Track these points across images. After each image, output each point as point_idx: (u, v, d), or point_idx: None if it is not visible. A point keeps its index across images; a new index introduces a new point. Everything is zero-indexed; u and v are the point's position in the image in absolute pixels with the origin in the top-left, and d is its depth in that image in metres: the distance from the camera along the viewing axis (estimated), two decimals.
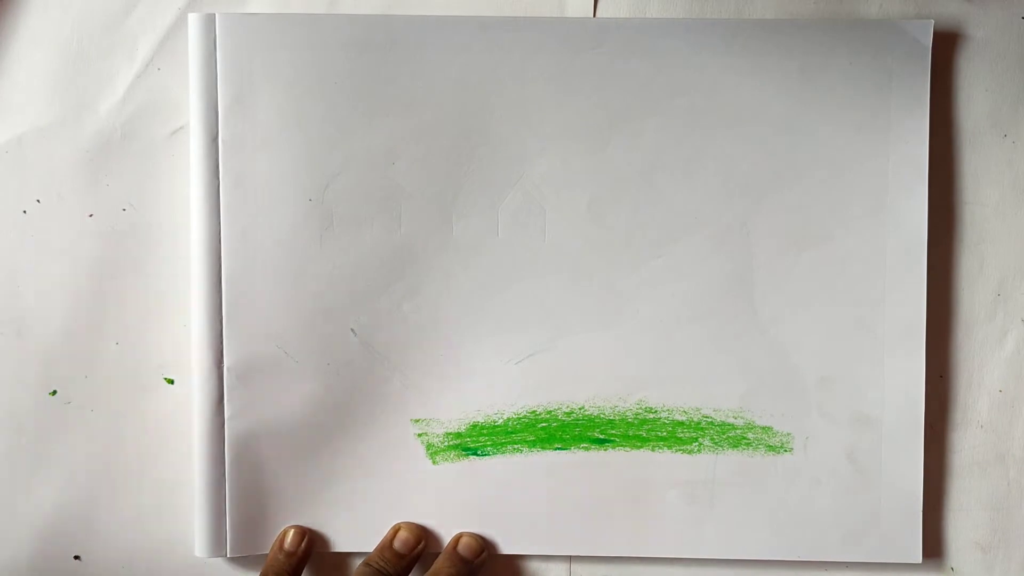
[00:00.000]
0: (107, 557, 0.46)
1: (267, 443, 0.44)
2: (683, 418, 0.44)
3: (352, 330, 0.44)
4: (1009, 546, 0.46)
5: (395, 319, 0.44)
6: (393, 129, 0.44)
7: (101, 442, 0.46)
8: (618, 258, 0.44)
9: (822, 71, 0.43)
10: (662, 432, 0.45)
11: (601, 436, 0.45)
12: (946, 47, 0.45)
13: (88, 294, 0.45)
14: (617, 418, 0.45)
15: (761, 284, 0.44)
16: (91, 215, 0.45)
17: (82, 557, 0.46)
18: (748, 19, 0.44)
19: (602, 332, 0.44)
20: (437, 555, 0.45)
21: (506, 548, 0.45)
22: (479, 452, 0.45)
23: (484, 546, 0.44)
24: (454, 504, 0.45)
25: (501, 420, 0.45)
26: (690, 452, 0.45)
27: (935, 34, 0.44)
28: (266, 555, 0.45)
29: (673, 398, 0.44)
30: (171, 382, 0.46)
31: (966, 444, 0.45)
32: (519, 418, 0.45)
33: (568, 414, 0.45)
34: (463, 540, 0.44)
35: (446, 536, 0.45)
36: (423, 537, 0.44)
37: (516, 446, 0.45)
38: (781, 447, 0.45)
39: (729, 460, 0.45)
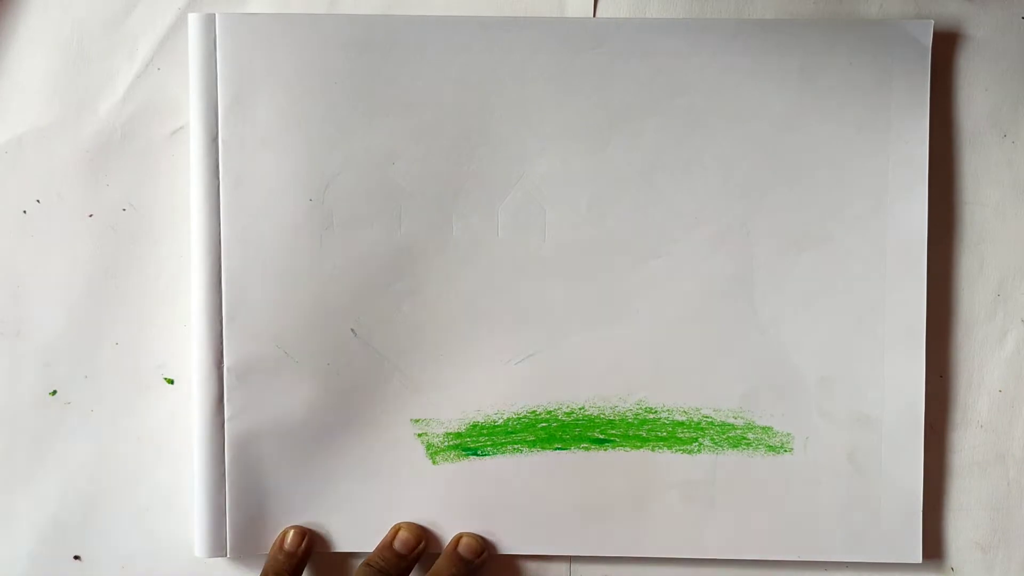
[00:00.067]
0: (107, 557, 0.46)
1: (267, 443, 0.44)
2: (683, 418, 0.44)
3: (352, 330, 0.44)
4: (1009, 546, 0.46)
5: (395, 319, 0.44)
6: (393, 129, 0.44)
7: (101, 442, 0.46)
8: (618, 258, 0.44)
9: (822, 71, 0.43)
10: (662, 432, 0.45)
11: (601, 436, 0.45)
12: (946, 47, 0.45)
13: (88, 294, 0.45)
14: (617, 418, 0.45)
15: (761, 284, 0.44)
16: (91, 215, 0.45)
17: (82, 557, 0.46)
18: (748, 19, 0.44)
19: (602, 332, 0.44)
20: (437, 555, 0.45)
21: (506, 548, 0.45)
22: (479, 452, 0.45)
23: (484, 546, 0.44)
24: (454, 504, 0.45)
25: (501, 420, 0.45)
26: (690, 452, 0.45)
27: (935, 34, 0.44)
28: (266, 555, 0.45)
29: (673, 398, 0.44)
30: (171, 382, 0.46)
31: (966, 444, 0.45)
32: (519, 418, 0.45)
33: (568, 414, 0.45)
34: (463, 540, 0.44)
35: (446, 536, 0.45)
36: (423, 537, 0.44)
37: (516, 446, 0.45)
38: (781, 447, 0.45)
39: (729, 460, 0.45)
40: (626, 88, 0.43)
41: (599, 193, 0.44)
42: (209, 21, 0.43)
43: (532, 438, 0.45)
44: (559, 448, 0.45)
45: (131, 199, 0.45)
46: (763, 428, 0.44)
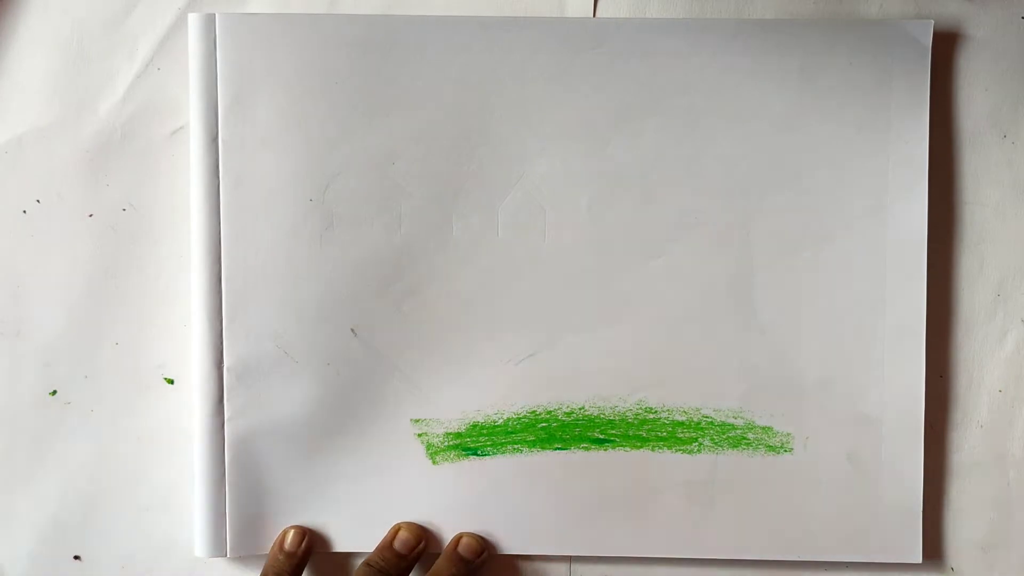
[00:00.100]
0: (107, 557, 0.46)
1: (267, 443, 0.44)
2: (683, 418, 0.44)
3: (352, 330, 0.44)
4: (1009, 546, 0.46)
5: (395, 319, 0.44)
6: (393, 129, 0.44)
7: (101, 442, 0.46)
8: (618, 258, 0.44)
9: (822, 71, 0.43)
10: (662, 432, 0.45)
11: (601, 436, 0.45)
12: (946, 47, 0.45)
13: (88, 294, 0.45)
14: (617, 418, 0.45)
15: (761, 284, 0.44)
16: (91, 215, 0.45)
17: (82, 557, 0.46)
18: (748, 19, 0.44)
19: (602, 332, 0.44)
20: (437, 555, 0.45)
21: (506, 548, 0.45)
22: (479, 452, 0.45)
23: (484, 546, 0.44)
24: (454, 504, 0.45)
25: (501, 420, 0.45)
26: (690, 452, 0.45)
27: (935, 34, 0.44)
28: (266, 555, 0.45)
29: (673, 398, 0.44)
30: (171, 382, 0.46)
31: (966, 444, 0.45)
32: (519, 418, 0.45)
33: (568, 414, 0.45)
34: (463, 540, 0.44)
35: (446, 536, 0.45)
36: (423, 537, 0.44)
37: (516, 446, 0.45)
38: (781, 447, 0.45)
39: (729, 460, 0.45)
40: (626, 88, 0.43)
41: (599, 193, 0.44)
42: (209, 21, 0.43)
43: (532, 438, 0.45)
44: (559, 448, 0.45)
45: (131, 199, 0.45)
46: (763, 428, 0.44)
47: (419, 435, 0.45)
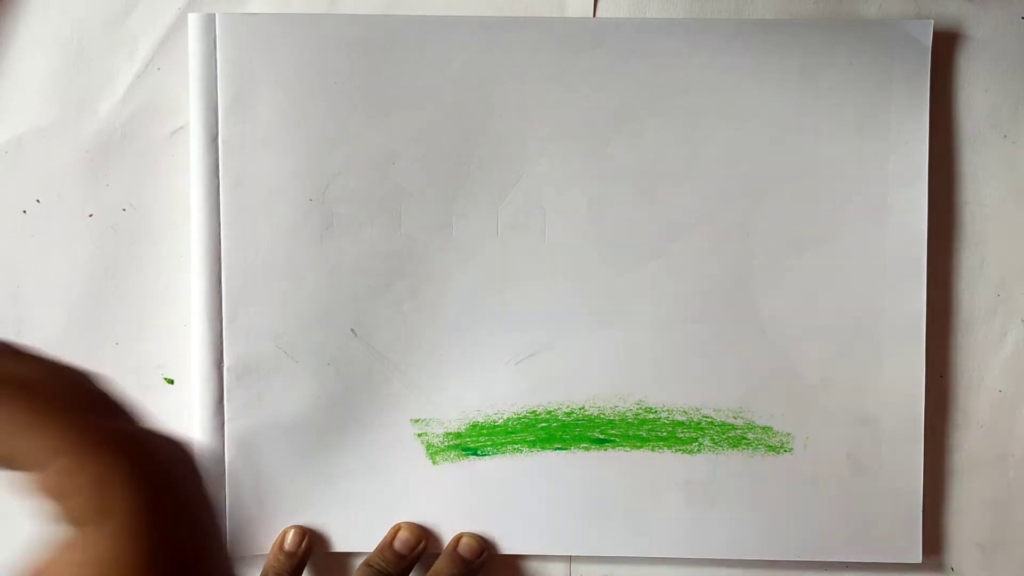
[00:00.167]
0: None
1: (267, 443, 0.44)
2: (683, 418, 0.44)
3: (352, 330, 0.44)
4: (1009, 546, 0.46)
5: (395, 319, 0.44)
6: (393, 129, 0.44)
7: None
8: (618, 258, 0.44)
9: (822, 71, 0.43)
10: (662, 432, 0.45)
11: (601, 436, 0.45)
12: (946, 47, 0.45)
13: (88, 294, 0.45)
14: (617, 418, 0.45)
15: (761, 284, 0.44)
16: (91, 215, 0.45)
17: None
18: (748, 19, 0.44)
19: (602, 332, 0.44)
20: (437, 555, 0.45)
21: (506, 548, 0.45)
22: (479, 452, 0.45)
23: (484, 546, 0.44)
24: (454, 504, 0.45)
25: (501, 420, 0.45)
26: (690, 452, 0.45)
27: (935, 34, 0.44)
28: (266, 555, 0.45)
29: (673, 398, 0.44)
30: (171, 382, 0.46)
31: (966, 444, 0.45)
32: (519, 418, 0.45)
33: (568, 414, 0.45)
34: (463, 540, 0.44)
35: (446, 536, 0.45)
36: (423, 537, 0.44)
37: (516, 446, 0.45)
38: (781, 447, 0.45)
39: (729, 460, 0.45)
40: (626, 88, 0.43)
41: (599, 193, 0.44)
42: (209, 21, 0.43)
43: (532, 438, 0.45)
44: (559, 448, 0.45)
45: (131, 199, 0.45)
46: (763, 428, 0.44)
47: (419, 435, 0.45)
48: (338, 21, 0.43)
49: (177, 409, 0.46)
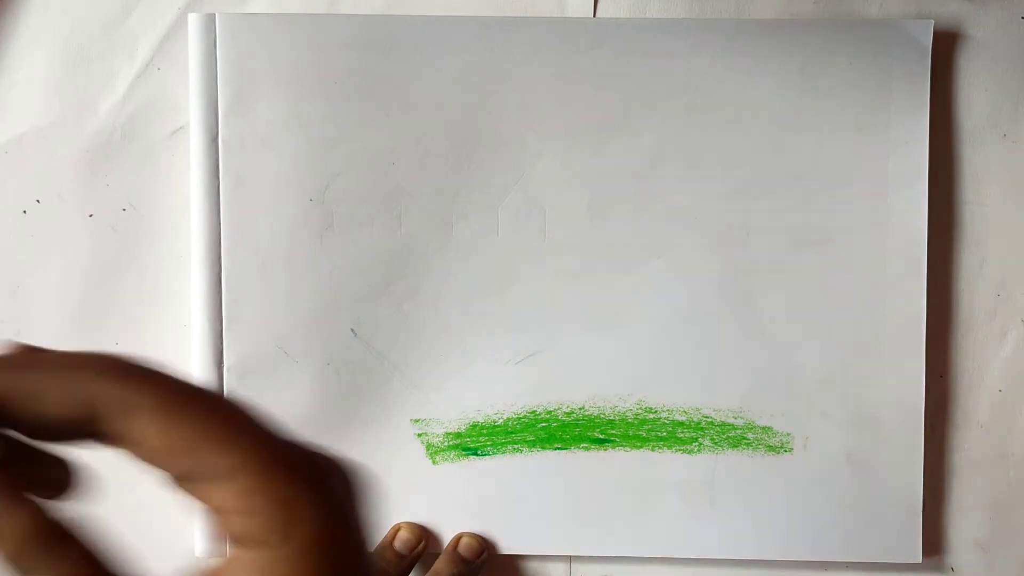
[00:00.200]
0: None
1: None
2: (683, 418, 0.44)
3: (352, 330, 0.44)
4: (1009, 546, 0.46)
5: (395, 319, 0.44)
6: (393, 129, 0.44)
7: None
8: (618, 258, 0.44)
9: (822, 71, 0.43)
10: (662, 432, 0.45)
11: (601, 436, 0.45)
12: (946, 47, 0.45)
13: (88, 294, 0.45)
14: (617, 418, 0.45)
15: (761, 284, 0.44)
16: (91, 215, 0.45)
17: None
18: (748, 19, 0.44)
19: (602, 332, 0.44)
20: (437, 555, 0.45)
21: (506, 548, 0.45)
22: (479, 452, 0.45)
23: (484, 546, 0.44)
24: (454, 504, 0.45)
25: (501, 420, 0.45)
26: (690, 452, 0.45)
27: (935, 34, 0.44)
28: None
29: (673, 398, 0.44)
30: None
31: (966, 444, 0.45)
32: (519, 418, 0.45)
33: (568, 414, 0.45)
34: (463, 540, 0.44)
35: (446, 536, 0.45)
36: (423, 537, 0.44)
37: (516, 446, 0.45)
38: (781, 447, 0.45)
39: (729, 460, 0.45)
40: (626, 88, 0.43)
41: (599, 193, 0.44)
42: (209, 21, 0.43)
43: (532, 438, 0.45)
44: (559, 448, 0.45)
45: (131, 199, 0.45)
46: (763, 428, 0.44)
47: (419, 435, 0.45)
48: (338, 21, 0.43)
49: None
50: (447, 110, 0.44)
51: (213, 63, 0.43)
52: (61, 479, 0.23)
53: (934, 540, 0.46)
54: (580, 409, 0.45)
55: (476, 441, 0.45)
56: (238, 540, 0.20)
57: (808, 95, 0.43)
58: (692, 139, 0.44)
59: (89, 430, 0.21)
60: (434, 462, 0.45)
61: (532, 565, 0.46)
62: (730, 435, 0.44)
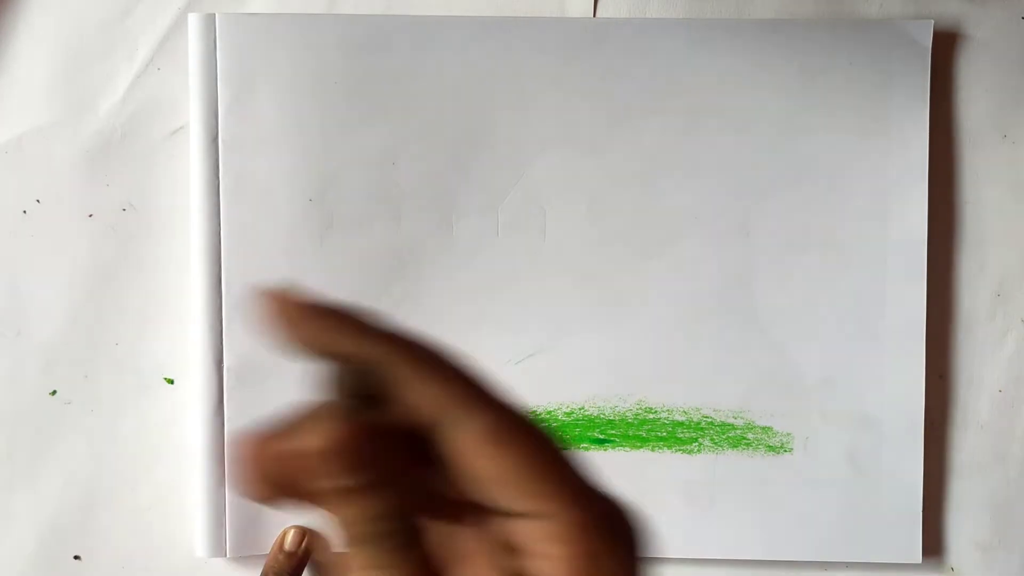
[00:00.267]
0: (107, 557, 0.46)
1: None
2: (683, 418, 0.44)
3: None
4: (1009, 546, 0.46)
5: (394, 319, 0.44)
6: (393, 129, 0.44)
7: (101, 442, 0.46)
8: (618, 258, 0.44)
9: (822, 71, 0.43)
10: (662, 432, 0.45)
11: (601, 436, 0.45)
12: (946, 47, 0.45)
13: (88, 294, 0.45)
14: (617, 418, 0.44)
15: (761, 284, 0.44)
16: (91, 215, 0.45)
17: (82, 557, 0.46)
18: (748, 19, 0.44)
19: (602, 332, 0.44)
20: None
21: None
22: None
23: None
24: None
25: None
26: (690, 452, 0.45)
27: (935, 34, 0.44)
28: (266, 555, 0.45)
29: (673, 398, 0.44)
30: (171, 382, 0.46)
31: (966, 444, 0.45)
32: None
33: (568, 414, 0.45)
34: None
35: None
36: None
37: None
38: (781, 447, 0.44)
39: (729, 460, 0.45)
40: (626, 88, 0.43)
41: (599, 193, 0.44)
42: (209, 21, 0.43)
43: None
44: None
45: (131, 199, 0.45)
46: (763, 428, 0.44)
47: None
48: (338, 21, 0.43)
49: (177, 409, 0.46)
50: (447, 110, 0.43)
51: (213, 63, 0.43)
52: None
53: (934, 540, 0.46)
54: (580, 409, 0.45)
55: None
56: None
57: (808, 95, 0.43)
58: (692, 139, 0.44)
59: (423, 434, 0.20)
60: None
61: None
62: (730, 435, 0.44)
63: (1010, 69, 0.45)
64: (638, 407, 0.44)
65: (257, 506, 0.45)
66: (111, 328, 0.45)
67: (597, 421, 0.45)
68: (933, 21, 0.43)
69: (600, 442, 0.45)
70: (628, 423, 0.45)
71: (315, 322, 0.20)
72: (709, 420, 0.44)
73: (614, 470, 0.45)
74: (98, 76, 0.45)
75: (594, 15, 0.45)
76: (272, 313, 0.20)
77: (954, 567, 0.46)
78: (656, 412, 0.44)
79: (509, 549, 0.20)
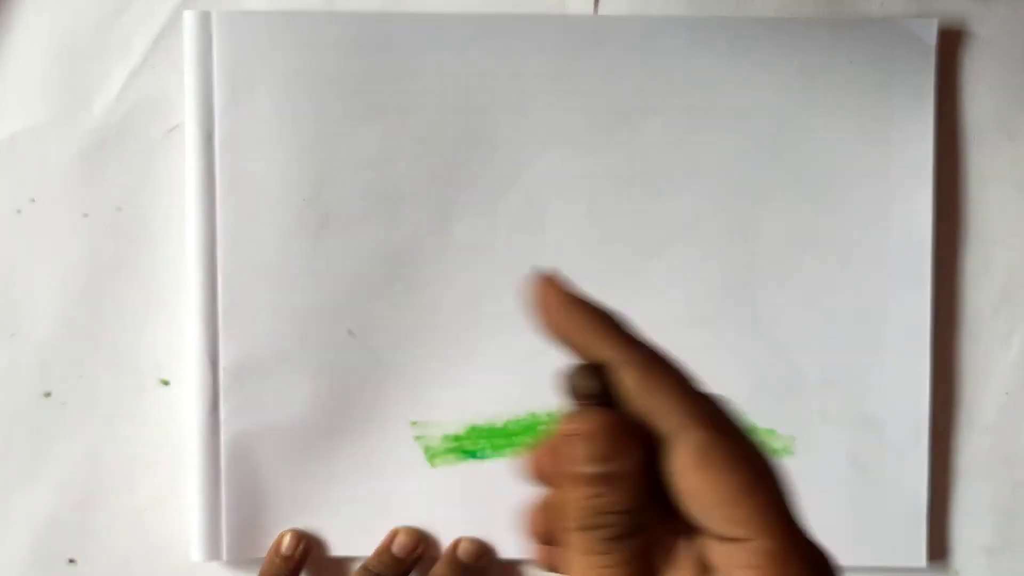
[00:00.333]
0: (102, 560, 0.46)
1: (264, 445, 0.44)
2: None
3: (350, 331, 0.44)
4: (1014, 549, 0.45)
5: (393, 320, 0.44)
6: (391, 128, 0.43)
7: (96, 444, 0.45)
8: (618, 258, 0.44)
9: (824, 70, 0.43)
10: None
11: None
12: (950, 46, 0.44)
13: (83, 294, 0.45)
14: None
15: (763, 285, 0.44)
16: (86, 215, 0.45)
17: (76, 560, 0.46)
18: (749, 17, 0.44)
19: None
20: (435, 560, 0.44)
21: (505, 553, 0.44)
22: (478, 455, 0.44)
23: (484, 551, 0.44)
24: (453, 507, 0.44)
25: (500, 423, 0.44)
26: None
27: (939, 32, 0.43)
28: (263, 559, 0.44)
29: None
30: (167, 383, 0.45)
31: (971, 447, 0.45)
32: (518, 421, 0.44)
33: None
34: (462, 545, 0.44)
35: (444, 540, 0.44)
36: (421, 541, 0.44)
37: (516, 449, 0.44)
38: (783, 450, 0.44)
39: None
40: (626, 88, 0.43)
41: (599, 193, 0.44)
42: (205, 19, 0.43)
43: (532, 441, 0.44)
44: None
45: (126, 198, 0.45)
46: (765, 431, 0.44)
47: (417, 438, 0.44)
48: (335, 19, 0.43)
49: (173, 410, 0.45)
50: (446, 109, 0.43)
51: (209, 61, 0.43)
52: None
53: (939, 544, 0.45)
54: None
55: (475, 444, 0.44)
56: None
57: (810, 95, 0.43)
58: (692, 139, 0.43)
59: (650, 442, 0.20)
60: (432, 465, 0.44)
61: (532, 569, 0.45)
62: None
63: (1015, 68, 0.44)
64: None
65: (254, 509, 0.44)
66: (106, 328, 0.45)
67: None
68: (937, 19, 0.43)
69: None
70: None
71: (569, 312, 0.23)
72: None
73: None
74: (93, 74, 0.45)
75: (595, 12, 0.44)
76: (537, 296, 0.23)
77: (959, 571, 0.45)
78: None
79: (705, 569, 0.20)
